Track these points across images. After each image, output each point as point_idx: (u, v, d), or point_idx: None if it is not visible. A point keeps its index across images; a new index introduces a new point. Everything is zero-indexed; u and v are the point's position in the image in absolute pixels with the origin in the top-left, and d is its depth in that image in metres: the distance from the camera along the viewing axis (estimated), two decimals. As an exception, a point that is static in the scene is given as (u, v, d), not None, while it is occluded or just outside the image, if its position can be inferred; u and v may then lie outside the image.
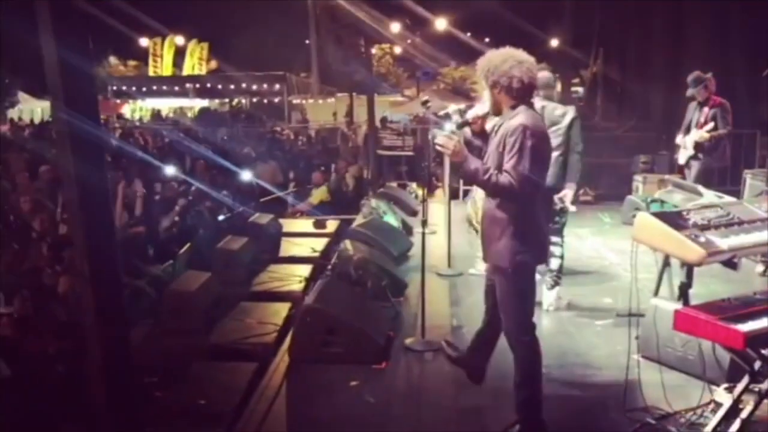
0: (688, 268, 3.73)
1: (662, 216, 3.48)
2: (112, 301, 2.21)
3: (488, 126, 3.66)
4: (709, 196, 4.55)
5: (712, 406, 3.66)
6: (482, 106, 3.73)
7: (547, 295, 5.56)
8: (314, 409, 4.02)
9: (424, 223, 5.21)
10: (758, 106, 10.07)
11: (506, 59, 3.43)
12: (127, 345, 2.35)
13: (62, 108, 1.99)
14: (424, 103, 5.86)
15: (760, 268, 6.25)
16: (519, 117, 3.39)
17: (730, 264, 3.50)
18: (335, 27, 28.92)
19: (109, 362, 2.19)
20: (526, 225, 3.40)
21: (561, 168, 5.17)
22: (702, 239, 3.30)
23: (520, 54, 3.48)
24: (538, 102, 8.51)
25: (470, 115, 3.73)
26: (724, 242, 3.34)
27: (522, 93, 3.43)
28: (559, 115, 5.26)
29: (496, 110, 3.54)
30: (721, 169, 8.40)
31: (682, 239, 3.28)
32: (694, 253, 3.27)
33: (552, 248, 5.20)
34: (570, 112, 5.31)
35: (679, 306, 4.25)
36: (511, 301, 3.47)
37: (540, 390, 3.53)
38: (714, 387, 3.85)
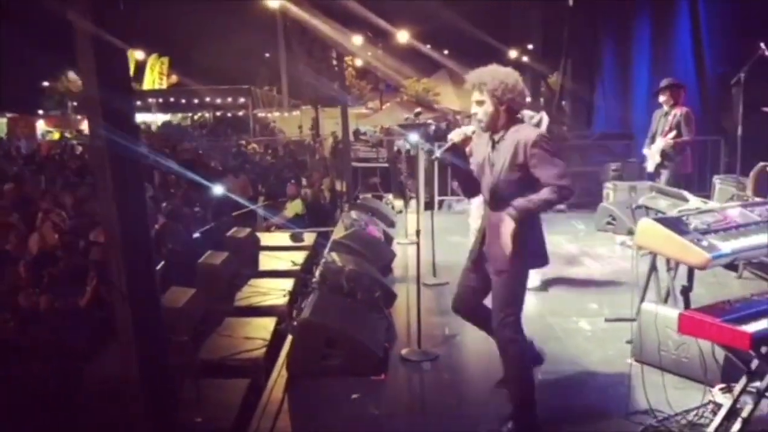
0: (689, 271, 3.82)
1: (665, 221, 3.56)
2: (151, 321, 2.18)
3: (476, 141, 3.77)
4: (695, 201, 4.66)
5: (711, 406, 3.74)
6: (468, 127, 3.85)
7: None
8: (319, 423, 4.00)
9: (418, 234, 5.22)
10: (722, 115, 10.34)
11: (516, 79, 3.58)
12: (165, 361, 2.31)
13: (100, 124, 1.96)
14: (417, 114, 5.92)
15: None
16: (527, 129, 3.57)
17: (731, 267, 3.59)
18: (306, 40, 28.93)
19: (148, 380, 2.15)
20: (531, 231, 3.56)
21: None
22: (705, 243, 3.39)
23: (514, 72, 3.64)
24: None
25: (457, 137, 3.80)
26: (727, 246, 3.43)
27: (516, 113, 3.62)
28: (536, 123, 5.37)
29: (493, 126, 3.61)
30: (685, 176, 8.61)
31: (687, 244, 3.36)
32: (698, 257, 3.35)
33: None
34: (544, 117, 5.46)
35: (669, 309, 4.38)
36: (512, 302, 3.62)
37: (532, 388, 3.68)
38: (708, 387, 3.94)
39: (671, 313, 4.19)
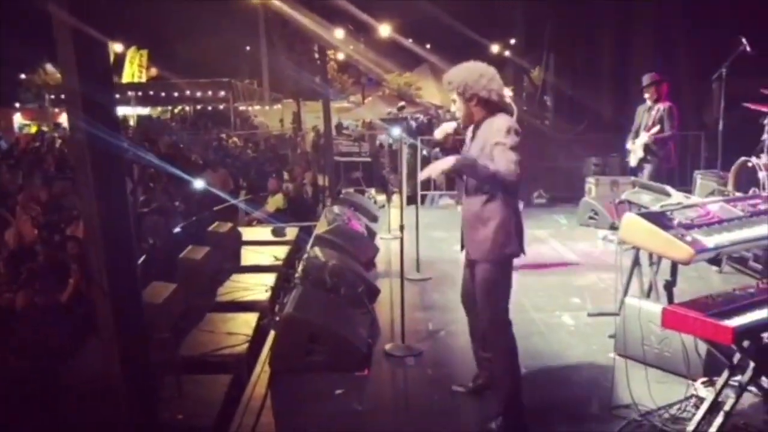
0: (673, 266, 3.84)
1: (649, 216, 3.57)
2: (132, 318, 2.13)
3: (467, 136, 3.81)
4: (678, 196, 4.69)
5: (694, 400, 3.76)
6: (450, 124, 3.93)
7: None
8: (303, 418, 3.97)
9: (402, 229, 5.20)
10: (702, 110, 10.43)
11: (482, 74, 3.63)
12: (146, 358, 2.27)
13: (81, 117, 1.91)
14: (401, 108, 5.91)
15: (716, 266, 6.48)
16: (498, 120, 3.57)
17: (715, 261, 3.61)
18: (287, 33, 28.75)
19: (130, 377, 2.11)
20: (509, 219, 3.60)
21: None
22: (689, 238, 3.40)
23: (489, 68, 3.69)
24: None
25: (439, 135, 3.91)
26: (710, 240, 3.44)
27: (497, 105, 3.64)
28: None
29: (468, 121, 3.72)
30: (668, 170, 8.67)
31: (671, 239, 3.37)
32: (682, 252, 3.36)
33: None
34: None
35: (652, 304, 4.40)
36: (494, 292, 3.64)
37: (519, 382, 3.68)
38: (691, 382, 3.97)
39: (654, 307, 4.21)
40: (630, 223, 3.66)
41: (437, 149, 4.00)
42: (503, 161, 3.38)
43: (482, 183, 3.54)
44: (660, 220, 3.52)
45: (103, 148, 1.99)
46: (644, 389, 3.89)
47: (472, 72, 3.63)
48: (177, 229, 9.20)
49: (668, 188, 4.94)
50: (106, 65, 2.26)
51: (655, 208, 4.82)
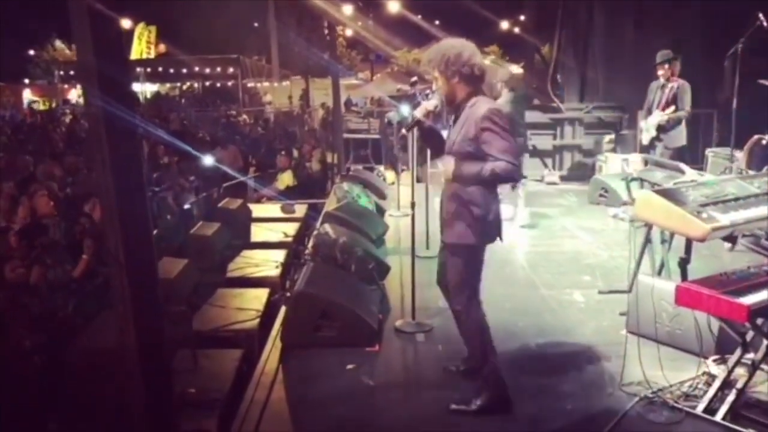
0: (687, 243, 3.82)
1: (663, 193, 3.53)
2: (148, 291, 2.14)
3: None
4: (692, 173, 4.64)
5: (705, 378, 3.76)
6: (430, 101, 3.89)
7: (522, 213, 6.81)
8: (315, 393, 3.99)
9: (413, 206, 5.18)
10: (715, 88, 10.31)
11: (463, 49, 3.56)
12: (161, 332, 2.27)
13: (97, 94, 1.90)
14: (413, 84, 5.86)
15: (728, 244, 6.43)
16: (483, 103, 3.52)
17: (731, 239, 3.59)
18: (296, 9, 28.52)
19: (145, 352, 2.12)
20: (488, 206, 3.56)
21: None
22: (704, 215, 3.37)
23: (468, 43, 3.63)
24: (506, 93, 8.74)
25: (419, 113, 3.86)
26: (726, 218, 3.41)
27: (480, 80, 3.58)
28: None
29: (451, 100, 3.66)
30: (680, 149, 8.61)
31: (687, 215, 3.34)
32: (698, 229, 3.33)
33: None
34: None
35: (664, 281, 4.38)
36: (467, 276, 3.62)
37: (494, 361, 3.66)
38: (702, 359, 3.96)
39: (667, 285, 4.20)
40: (644, 199, 3.63)
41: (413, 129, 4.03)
42: (498, 153, 3.38)
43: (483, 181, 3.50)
44: (675, 196, 3.48)
45: (119, 123, 1.98)
46: (656, 366, 3.89)
47: (452, 48, 3.56)
48: (187, 206, 9.24)
49: (682, 165, 4.89)
50: (120, 40, 2.24)
51: (669, 185, 4.81)
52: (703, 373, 3.82)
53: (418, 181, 8.40)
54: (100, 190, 2.04)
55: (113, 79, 2.02)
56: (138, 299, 2.11)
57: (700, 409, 3.42)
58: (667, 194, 3.50)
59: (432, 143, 4.00)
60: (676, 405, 3.55)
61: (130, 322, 2.11)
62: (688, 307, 3.29)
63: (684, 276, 3.65)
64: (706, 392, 3.54)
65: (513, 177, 3.47)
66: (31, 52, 37.45)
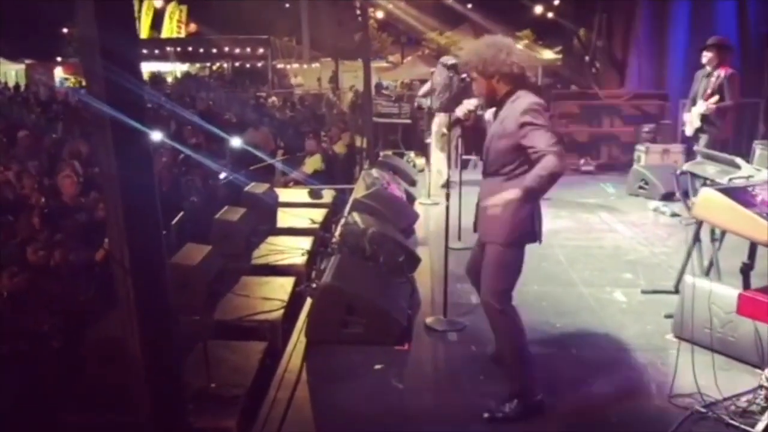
0: (751, 247, 3.51)
1: (729, 192, 3.23)
2: (156, 298, 1.90)
3: (487, 115, 3.70)
4: (748, 168, 4.31)
5: (765, 392, 3.45)
6: (471, 101, 3.86)
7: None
8: (340, 395, 3.77)
9: (448, 197, 4.91)
10: (763, 76, 9.86)
11: (500, 48, 3.49)
12: (170, 340, 2.05)
13: (100, 64, 1.66)
14: (452, 66, 5.60)
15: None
16: (524, 98, 3.43)
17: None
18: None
19: (151, 355, 1.90)
20: (531, 204, 3.42)
21: None
22: (776, 218, 3.07)
23: (504, 39, 3.57)
24: None
25: (460, 112, 3.87)
26: (798, 221, 3.10)
27: (520, 78, 3.50)
28: None
29: (491, 100, 3.58)
30: (723, 141, 8.24)
31: (754, 217, 3.04)
32: (767, 233, 3.03)
33: None
34: None
35: (718, 285, 4.07)
36: (502, 277, 3.50)
37: (529, 364, 3.53)
38: (759, 370, 3.66)
39: (719, 288, 3.91)
40: (707, 198, 3.32)
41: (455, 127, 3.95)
42: (545, 147, 3.22)
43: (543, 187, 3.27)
44: (742, 196, 3.18)
45: (126, 104, 1.73)
46: (707, 377, 3.60)
47: (489, 48, 3.49)
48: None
49: (738, 160, 4.55)
50: (129, 11, 1.98)
51: (722, 180, 4.48)
52: (761, 387, 3.52)
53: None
54: (102, 178, 1.80)
55: (119, 54, 1.77)
56: (144, 306, 1.88)
57: (759, 429, 3.13)
58: (732, 194, 3.19)
59: (474, 142, 3.90)
60: (732, 422, 3.27)
61: (135, 329, 1.88)
62: (751, 317, 3.01)
63: (746, 283, 3.35)
64: (766, 409, 3.25)
65: (564, 168, 3.22)
66: (64, 30, 37.58)
